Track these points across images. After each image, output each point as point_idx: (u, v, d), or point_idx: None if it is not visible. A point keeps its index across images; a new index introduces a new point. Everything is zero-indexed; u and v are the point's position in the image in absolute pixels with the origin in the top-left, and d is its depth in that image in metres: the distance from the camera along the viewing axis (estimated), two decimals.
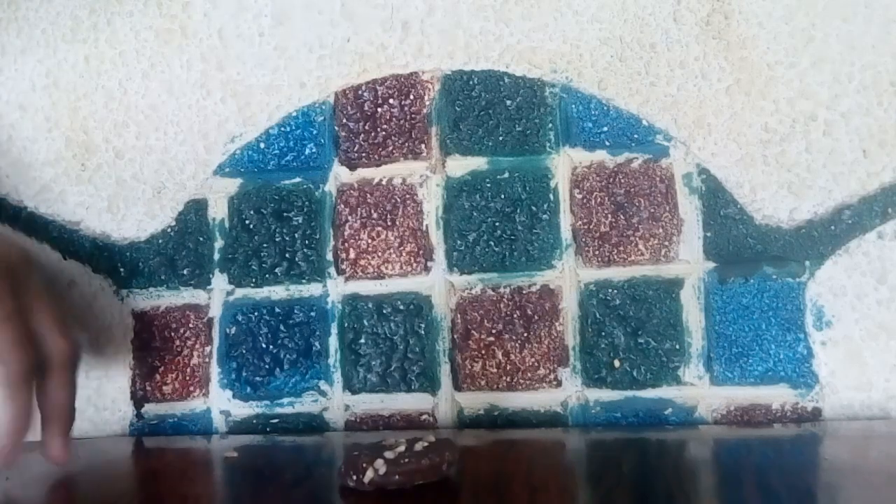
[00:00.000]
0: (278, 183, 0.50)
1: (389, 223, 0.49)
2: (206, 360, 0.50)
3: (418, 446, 0.35)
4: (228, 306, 0.50)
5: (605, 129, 0.48)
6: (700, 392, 0.47)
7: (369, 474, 0.33)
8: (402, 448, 0.35)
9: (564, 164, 0.48)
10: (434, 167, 0.49)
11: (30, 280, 0.40)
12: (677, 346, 0.47)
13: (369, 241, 0.49)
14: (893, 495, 0.32)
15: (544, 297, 0.48)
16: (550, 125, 0.49)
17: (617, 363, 0.47)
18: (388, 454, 0.34)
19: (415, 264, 0.49)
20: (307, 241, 0.50)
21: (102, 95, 0.52)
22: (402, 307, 0.49)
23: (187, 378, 0.50)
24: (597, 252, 0.48)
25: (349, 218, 0.50)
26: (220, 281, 0.50)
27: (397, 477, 0.34)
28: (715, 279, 0.47)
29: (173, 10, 0.51)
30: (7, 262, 0.39)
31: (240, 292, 0.50)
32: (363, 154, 0.50)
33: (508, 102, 0.49)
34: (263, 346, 0.49)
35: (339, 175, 0.50)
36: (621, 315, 0.47)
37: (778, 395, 0.46)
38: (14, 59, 0.52)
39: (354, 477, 0.34)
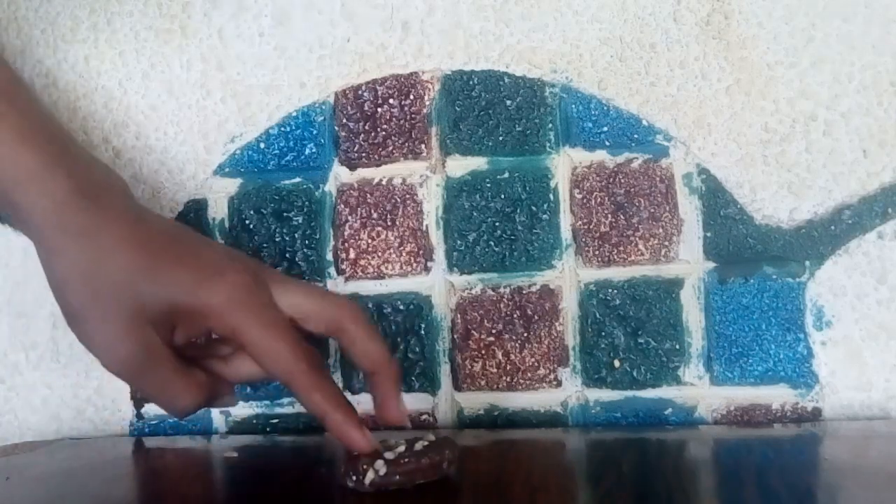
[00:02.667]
0: (278, 183, 0.50)
1: (389, 223, 0.49)
2: None
3: (418, 445, 0.35)
4: None
5: (605, 129, 0.48)
6: (700, 392, 0.47)
7: (370, 475, 0.33)
8: (401, 448, 0.35)
9: (564, 164, 0.48)
10: (434, 167, 0.49)
11: (267, 270, 0.39)
12: (677, 346, 0.47)
13: (369, 241, 0.49)
14: (893, 495, 0.32)
15: (544, 297, 0.48)
16: (550, 125, 0.49)
17: (617, 363, 0.47)
18: (388, 454, 0.34)
19: (415, 264, 0.49)
20: (307, 241, 0.50)
21: (102, 95, 0.52)
22: (402, 307, 0.49)
23: None
24: (597, 252, 0.48)
25: (349, 218, 0.50)
26: None
27: (398, 477, 0.34)
28: (715, 279, 0.47)
29: (173, 10, 0.51)
30: (245, 262, 0.38)
31: None
32: (363, 154, 0.50)
33: (508, 102, 0.49)
34: None
35: (339, 175, 0.50)
36: (621, 315, 0.47)
37: (778, 395, 0.46)
38: (14, 59, 0.52)
39: (354, 477, 0.34)
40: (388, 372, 0.38)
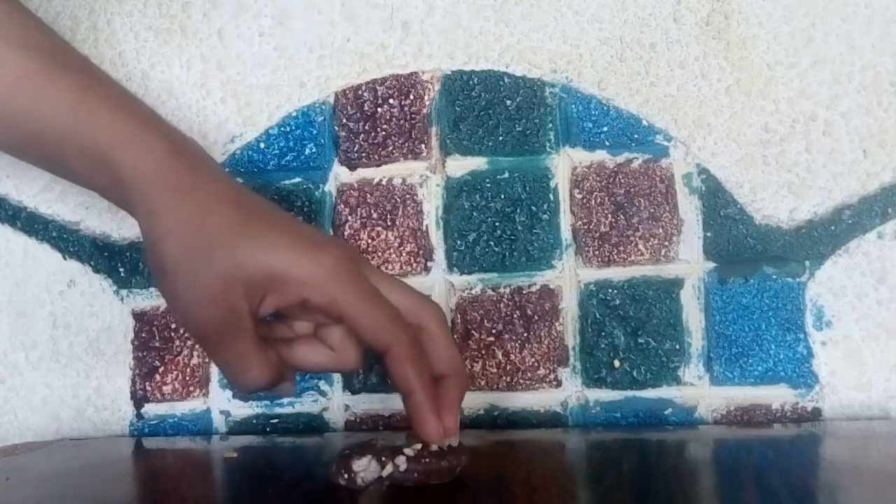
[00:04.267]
0: (278, 183, 0.50)
1: (389, 223, 0.49)
2: (206, 360, 0.50)
3: (434, 447, 0.35)
4: None
5: (605, 129, 0.48)
6: (700, 392, 0.47)
7: (388, 468, 0.33)
8: (418, 446, 0.35)
9: (564, 164, 0.48)
10: (434, 167, 0.49)
11: (366, 264, 0.39)
12: (677, 346, 0.47)
13: (369, 241, 0.49)
14: (893, 495, 0.32)
15: (544, 297, 0.48)
16: (550, 125, 0.49)
17: (617, 363, 0.47)
18: (408, 451, 0.34)
19: (415, 264, 0.49)
20: None
21: None
22: None
23: (187, 378, 0.50)
24: (597, 252, 0.48)
25: (349, 218, 0.50)
26: None
27: (415, 475, 0.34)
28: (715, 279, 0.47)
29: (173, 10, 0.51)
30: (347, 251, 0.38)
31: None
32: (363, 154, 0.50)
33: (508, 102, 0.49)
34: None
35: (339, 175, 0.50)
36: (621, 315, 0.47)
37: (778, 395, 0.46)
38: None
39: (346, 476, 0.34)
40: (460, 378, 0.38)
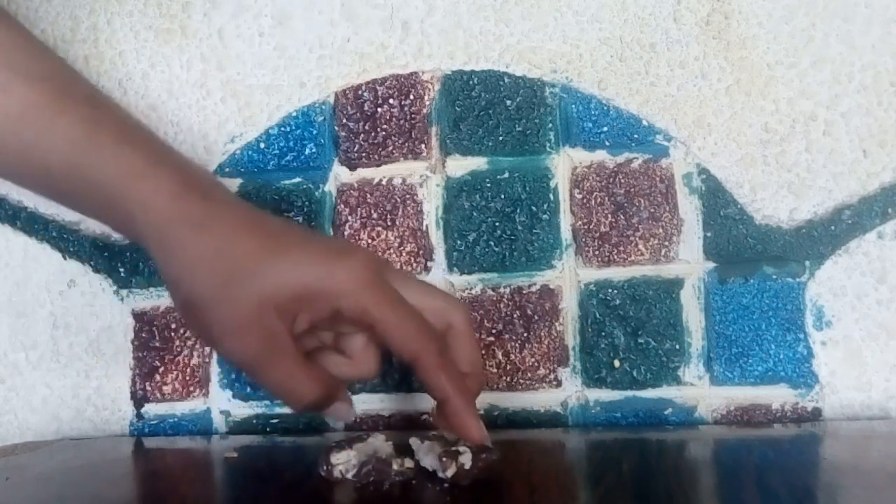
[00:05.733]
0: (278, 183, 0.50)
1: (389, 223, 0.49)
2: (206, 360, 0.50)
3: (465, 444, 0.35)
4: None
5: (605, 129, 0.48)
6: (700, 392, 0.47)
7: (451, 469, 0.34)
8: (461, 443, 0.35)
9: (564, 164, 0.48)
10: (434, 167, 0.49)
11: (391, 268, 0.39)
12: (677, 346, 0.47)
13: (369, 241, 0.49)
14: (893, 495, 0.32)
15: (544, 297, 0.48)
16: (550, 125, 0.49)
17: (617, 363, 0.47)
18: (462, 448, 0.34)
19: (415, 264, 0.49)
20: None
21: None
22: None
23: (187, 378, 0.50)
24: (597, 252, 0.48)
25: (349, 218, 0.50)
26: None
27: (476, 471, 0.34)
28: (715, 279, 0.47)
29: (173, 10, 0.51)
30: (372, 257, 0.38)
31: None
32: (363, 154, 0.50)
33: (508, 102, 0.49)
34: None
35: (339, 175, 0.50)
36: (621, 315, 0.47)
37: (778, 395, 0.46)
38: None
39: (325, 468, 0.35)
40: (479, 377, 0.38)
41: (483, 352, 0.48)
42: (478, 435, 0.35)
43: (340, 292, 0.35)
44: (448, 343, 0.37)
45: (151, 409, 0.50)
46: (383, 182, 0.50)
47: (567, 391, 0.48)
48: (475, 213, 0.49)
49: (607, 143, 0.48)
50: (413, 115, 0.50)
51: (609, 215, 0.48)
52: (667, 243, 0.47)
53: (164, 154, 0.38)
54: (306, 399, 0.36)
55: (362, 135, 0.50)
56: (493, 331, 0.48)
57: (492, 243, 0.49)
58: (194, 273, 0.35)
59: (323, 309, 0.35)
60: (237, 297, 0.34)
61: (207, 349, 0.50)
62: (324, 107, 0.50)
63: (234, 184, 0.51)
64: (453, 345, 0.38)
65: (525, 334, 0.48)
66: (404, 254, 0.49)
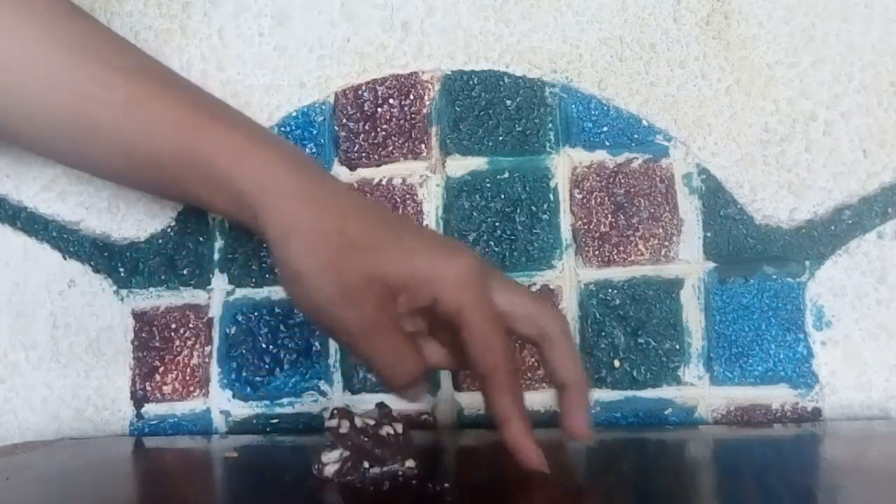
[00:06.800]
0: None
1: None
2: (206, 360, 0.50)
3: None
4: (228, 306, 0.50)
5: (605, 129, 0.48)
6: (700, 392, 0.47)
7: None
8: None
9: (564, 164, 0.48)
10: (434, 167, 0.49)
11: (493, 271, 0.38)
12: (677, 346, 0.47)
13: None
14: (893, 495, 0.32)
15: (544, 296, 0.48)
16: (550, 125, 0.49)
17: (617, 363, 0.47)
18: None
19: None
20: None
21: None
22: None
23: (187, 378, 0.50)
24: (597, 252, 0.48)
25: None
26: (220, 281, 0.50)
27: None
28: (715, 279, 0.47)
29: (173, 10, 0.51)
30: (479, 258, 0.37)
31: (240, 292, 0.50)
32: (363, 154, 0.50)
33: (508, 102, 0.49)
34: (263, 346, 0.49)
35: (339, 175, 0.50)
36: (621, 315, 0.47)
37: (778, 395, 0.46)
38: None
39: (316, 466, 0.35)
40: (582, 387, 0.37)
41: None
42: (534, 459, 0.35)
43: (444, 285, 0.35)
44: (545, 354, 0.37)
45: (151, 409, 0.50)
46: (383, 182, 0.50)
47: None
48: (475, 213, 0.49)
49: (607, 143, 0.48)
50: (413, 115, 0.50)
51: (609, 215, 0.48)
52: (667, 243, 0.47)
53: (267, 134, 0.39)
54: (406, 375, 0.36)
55: (362, 135, 0.50)
56: None
57: (492, 243, 0.49)
58: (308, 246, 0.35)
59: (424, 297, 0.35)
60: (350, 268, 0.35)
61: (208, 349, 0.50)
62: (324, 107, 0.50)
63: None
64: (551, 356, 0.37)
65: None
66: None
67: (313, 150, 0.50)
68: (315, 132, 0.50)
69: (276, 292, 0.50)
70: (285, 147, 0.38)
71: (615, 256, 0.48)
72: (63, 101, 0.39)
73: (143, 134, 0.38)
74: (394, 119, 0.50)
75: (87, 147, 0.40)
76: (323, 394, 0.49)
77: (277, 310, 0.49)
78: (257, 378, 0.49)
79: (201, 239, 0.51)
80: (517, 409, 0.35)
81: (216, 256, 0.50)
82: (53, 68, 0.39)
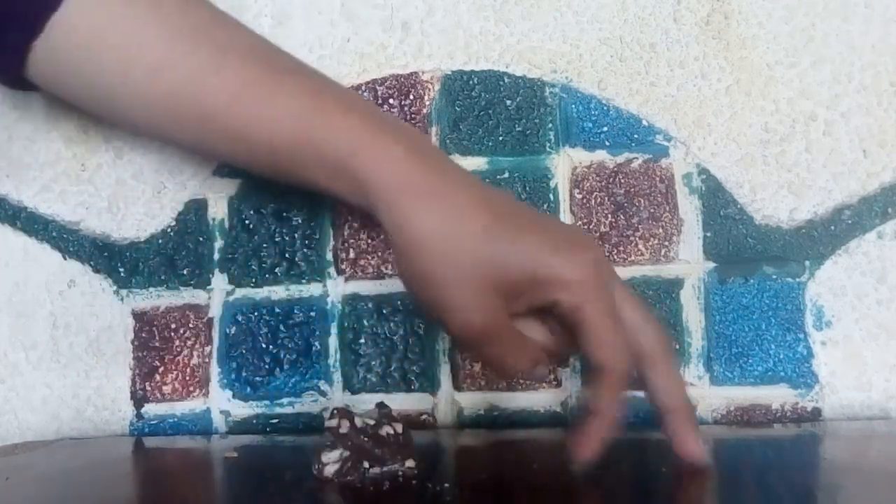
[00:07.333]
0: (278, 183, 0.50)
1: None
2: (206, 360, 0.50)
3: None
4: (228, 306, 0.50)
5: (605, 129, 0.48)
6: (700, 392, 0.47)
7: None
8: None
9: (564, 164, 0.48)
10: None
11: (611, 268, 0.38)
12: (677, 346, 0.47)
13: (369, 241, 0.49)
14: (893, 495, 0.32)
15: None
16: (550, 125, 0.49)
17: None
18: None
19: None
20: (307, 241, 0.50)
21: None
22: (401, 307, 0.49)
23: (187, 378, 0.50)
24: None
25: (349, 218, 0.50)
26: (220, 281, 0.50)
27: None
28: (715, 279, 0.47)
29: None
30: (601, 253, 0.37)
31: (240, 292, 0.50)
32: None
33: (508, 102, 0.49)
34: (263, 346, 0.49)
35: None
36: None
37: (778, 395, 0.46)
38: None
39: (316, 466, 0.35)
40: (688, 411, 0.36)
41: None
42: (589, 452, 0.35)
43: (563, 285, 0.34)
44: (644, 372, 0.36)
45: (151, 409, 0.50)
46: None
47: (567, 391, 0.48)
48: None
49: (607, 143, 0.48)
50: (413, 115, 0.50)
51: (609, 215, 0.48)
52: (667, 243, 0.47)
53: (390, 122, 0.37)
54: (519, 370, 0.36)
55: None
56: None
57: None
58: (423, 247, 0.34)
59: (542, 298, 0.35)
60: (465, 276, 0.34)
61: (208, 349, 0.50)
62: None
63: (234, 184, 0.51)
64: (650, 375, 0.36)
65: None
66: None
67: None
68: None
69: (276, 292, 0.50)
70: (406, 134, 0.37)
71: (615, 256, 0.48)
72: (174, 87, 0.38)
73: (257, 120, 0.37)
74: None
75: (200, 133, 0.39)
76: (323, 394, 0.49)
77: (277, 310, 0.50)
78: (257, 378, 0.49)
79: (201, 239, 0.51)
80: (612, 407, 0.35)
81: (216, 256, 0.50)
82: (164, 53, 0.38)
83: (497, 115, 0.49)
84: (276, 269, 0.50)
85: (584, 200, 0.48)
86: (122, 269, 0.51)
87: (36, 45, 0.39)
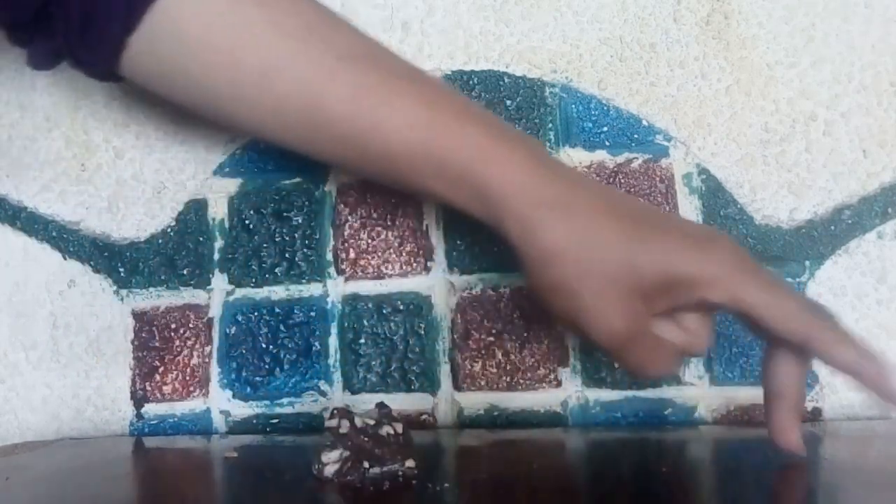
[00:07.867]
0: (278, 183, 0.50)
1: (389, 223, 0.49)
2: (206, 360, 0.50)
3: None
4: (228, 306, 0.50)
5: (605, 129, 0.48)
6: (700, 392, 0.47)
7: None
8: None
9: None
10: None
11: (753, 259, 0.36)
12: None
13: (369, 241, 0.49)
14: (893, 495, 0.32)
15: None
16: (550, 125, 0.49)
17: (617, 363, 0.47)
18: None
19: (414, 264, 0.49)
20: (307, 241, 0.50)
21: (103, 95, 0.52)
22: (401, 307, 0.49)
23: (187, 378, 0.50)
24: None
25: (349, 218, 0.50)
26: (220, 281, 0.50)
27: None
28: None
29: None
30: (734, 242, 0.36)
31: (240, 292, 0.50)
32: None
33: (508, 102, 0.49)
34: (263, 346, 0.49)
35: (340, 175, 0.50)
36: None
37: None
38: (14, 58, 0.52)
39: (316, 466, 0.35)
40: (799, 399, 0.36)
41: (483, 352, 0.48)
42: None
43: (709, 282, 0.34)
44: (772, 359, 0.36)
45: (151, 409, 0.50)
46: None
47: (567, 391, 0.48)
48: None
49: (607, 143, 0.48)
50: None
51: None
52: None
53: (507, 130, 0.36)
54: (657, 374, 0.36)
55: None
56: (493, 331, 0.48)
57: (492, 243, 0.49)
58: (557, 258, 0.34)
59: (686, 297, 0.34)
60: (606, 286, 0.34)
61: (208, 349, 0.50)
62: None
63: (234, 184, 0.51)
64: (777, 363, 0.36)
65: (525, 334, 0.48)
66: (404, 254, 0.49)
67: None
68: None
69: (276, 292, 0.50)
70: (524, 142, 0.36)
71: None
72: (286, 91, 0.37)
73: (373, 128, 0.36)
74: None
75: (314, 137, 0.38)
76: (323, 394, 0.49)
77: (277, 310, 0.50)
78: (257, 378, 0.49)
79: (201, 239, 0.51)
80: (860, 354, 0.33)
81: (216, 256, 0.50)
82: (276, 56, 0.37)
83: (497, 115, 0.49)
84: (276, 269, 0.50)
85: None
86: (122, 269, 0.51)
87: (131, 41, 0.38)
